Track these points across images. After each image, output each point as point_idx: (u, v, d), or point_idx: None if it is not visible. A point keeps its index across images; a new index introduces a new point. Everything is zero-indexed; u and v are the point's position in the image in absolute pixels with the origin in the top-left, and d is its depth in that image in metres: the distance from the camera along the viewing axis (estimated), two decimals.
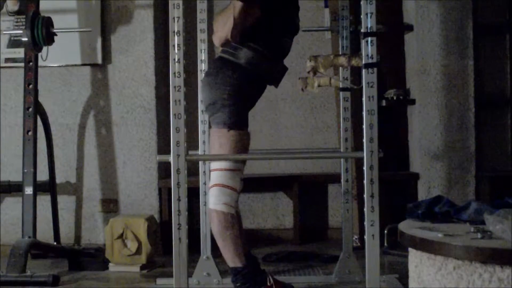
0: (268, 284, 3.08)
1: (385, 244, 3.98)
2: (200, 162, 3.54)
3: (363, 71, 2.70)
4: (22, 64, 4.08)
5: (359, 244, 4.13)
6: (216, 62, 3.11)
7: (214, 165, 3.02)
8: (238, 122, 3.00)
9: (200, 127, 3.52)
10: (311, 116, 4.81)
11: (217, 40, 3.03)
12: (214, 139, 3.04)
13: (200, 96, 3.32)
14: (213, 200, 2.98)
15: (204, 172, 3.52)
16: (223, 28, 2.97)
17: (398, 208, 3.27)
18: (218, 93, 3.00)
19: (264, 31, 3.03)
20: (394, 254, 4.00)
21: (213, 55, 4.41)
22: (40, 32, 3.95)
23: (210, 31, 3.24)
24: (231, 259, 3.03)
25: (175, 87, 2.66)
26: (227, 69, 3.03)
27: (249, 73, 3.03)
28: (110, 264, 3.88)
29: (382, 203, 2.70)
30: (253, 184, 4.34)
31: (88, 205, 4.56)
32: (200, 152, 3.49)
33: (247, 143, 3.06)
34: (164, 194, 4.46)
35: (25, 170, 3.90)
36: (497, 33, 4.75)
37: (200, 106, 3.56)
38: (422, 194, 4.39)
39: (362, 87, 2.71)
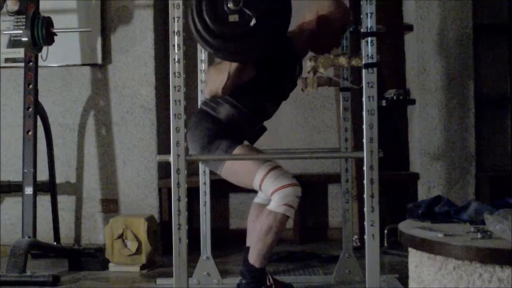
0: (268, 283, 3.08)
1: (385, 244, 3.98)
2: (200, 162, 3.54)
3: (363, 71, 2.70)
4: (22, 64, 4.08)
5: (359, 244, 4.13)
6: (196, 115, 3.11)
7: (257, 179, 2.98)
8: (231, 144, 3.01)
9: None
10: (311, 116, 4.81)
11: (207, 92, 2.99)
12: (230, 173, 3.03)
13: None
14: (275, 203, 2.94)
15: (204, 172, 3.53)
16: (215, 82, 2.93)
17: (398, 208, 3.28)
18: (199, 145, 3.03)
19: (250, 91, 3.02)
20: (394, 254, 4.00)
21: (213, 55, 4.42)
22: (40, 32, 3.95)
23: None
24: (256, 257, 3.02)
25: (175, 87, 2.67)
26: (206, 122, 3.05)
27: (227, 128, 3.03)
28: (110, 264, 3.88)
29: (382, 203, 2.70)
30: None
31: (88, 205, 4.56)
32: None
33: (254, 148, 3.09)
34: (164, 194, 4.46)
35: (25, 170, 3.90)
36: (497, 33, 4.75)
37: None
38: (422, 194, 4.39)
39: (362, 87, 2.71)
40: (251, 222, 3.23)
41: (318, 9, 3.11)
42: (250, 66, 2.95)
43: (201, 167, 3.54)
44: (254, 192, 3.22)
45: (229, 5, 2.67)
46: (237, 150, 3.00)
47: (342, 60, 2.97)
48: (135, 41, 4.52)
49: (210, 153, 3.01)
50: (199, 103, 3.55)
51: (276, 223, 2.94)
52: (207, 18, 2.71)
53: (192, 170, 3.65)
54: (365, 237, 2.68)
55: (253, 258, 3.03)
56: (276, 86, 3.13)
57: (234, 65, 2.88)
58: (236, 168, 3.01)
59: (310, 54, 3.05)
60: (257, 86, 3.01)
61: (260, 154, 3.02)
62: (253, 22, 2.67)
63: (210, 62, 3.43)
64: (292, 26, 2.92)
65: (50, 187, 4.25)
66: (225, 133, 3.03)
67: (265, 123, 3.20)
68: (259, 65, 2.97)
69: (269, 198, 2.97)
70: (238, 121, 3.05)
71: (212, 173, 3.79)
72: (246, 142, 3.12)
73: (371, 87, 2.68)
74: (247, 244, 3.17)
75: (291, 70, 3.18)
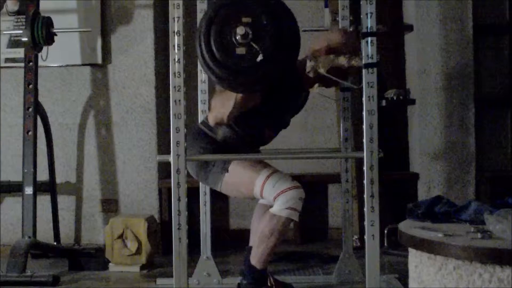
0: (269, 284, 3.08)
1: (385, 244, 3.98)
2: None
3: (363, 71, 2.70)
4: (22, 64, 4.08)
5: (359, 244, 4.13)
6: (193, 133, 3.10)
7: (257, 188, 2.98)
8: (227, 161, 3.02)
9: None
10: (311, 116, 4.81)
11: (212, 119, 2.97)
12: (230, 187, 3.05)
13: None
14: (277, 207, 2.95)
15: None
16: (221, 109, 2.92)
17: (398, 208, 3.27)
18: (194, 165, 3.03)
19: (250, 117, 3.01)
20: (394, 254, 4.00)
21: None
22: (40, 32, 3.95)
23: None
24: (258, 259, 3.03)
25: (175, 87, 2.67)
26: (201, 141, 3.06)
27: (222, 148, 3.03)
28: (110, 264, 3.88)
29: (382, 203, 2.70)
30: None
31: (88, 205, 4.56)
32: None
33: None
34: (164, 194, 4.46)
35: (25, 170, 3.90)
36: (497, 33, 4.75)
37: (200, 106, 3.57)
38: (422, 194, 4.39)
39: (362, 87, 2.71)
40: (255, 222, 3.23)
41: (327, 40, 3.07)
42: (255, 96, 2.94)
43: None
44: None
45: (237, 37, 2.64)
46: (234, 164, 3.01)
47: (342, 60, 2.97)
48: (135, 41, 4.52)
49: (206, 172, 3.03)
50: (199, 103, 3.56)
51: (279, 226, 2.94)
52: (214, 49, 2.67)
53: None
54: (365, 237, 2.68)
55: (255, 259, 3.03)
56: (278, 114, 3.13)
57: (240, 95, 2.86)
58: (235, 180, 3.01)
59: (310, 54, 3.04)
60: (259, 112, 3.01)
61: (259, 155, 3.02)
62: (259, 58, 2.64)
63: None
64: (301, 55, 2.89)
65: (50, 187, 4.24)
66: (222, 151, 3.03)
67: None
68: (264, 93, 2.96)
69: (272, 203, 2.97)
70: (234, 144, 3.05)
71: None
72: None
73: (371, 87, 2.68)
74: (250, 244, 3.17)
75: (295, 99, 3.19)
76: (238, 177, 3.01)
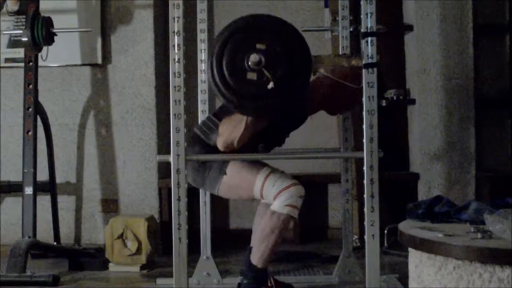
0: (269, 284, 3.08)
1: (385, 244, 3.98)
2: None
3: (363, 71, 2.70)
4: (22, 64, 4.08)
5: (359, 244, 4.13)
6: (189, 138, 3.08)
7: (256, 189, 2.99)
8: (224, 163, 3.02)
9: None
10: (311, 116, 4.80)
11: (221, 144, 2.95)
12: (229, 189, 3.05)
13: None
14: (278, 204, 2.95)
15: None
16: (231, 133, 2.92)
17: (398, 208, 3.27)
18: (190, 171, 3.02)
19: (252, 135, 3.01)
20: (394, 254, 4.00)
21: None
22: (40, 32, 3.95)
23: (210, 31, 3.24)
24: (259, 258, 3.03)
25: (175, 87, 2.67)
26: (197, 146, 3.05)
27: (215, 152, 3.02)
28: (110, 264, 3.88)
29: (382, 203, 2.70)
30: None
31: (88, 205, 4.56)
32: None
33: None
34: (164, 194, 4.46)
35: (25, 170, 3.90)
36: (497, 33, 4.75)
37: (200, 106, 3.57)
38: (422, 194, 4.39)
39: (362, 87, 2.71)
40: (257, 223, 3.23)
41: (333, 74, 3.11)
42: (264, 120, 2.95)
43: None
44: None
45: (249, 63, 2.65)
46: (230, 166, 3.01)
47: (342, 60, 2.97)
48: (135, 41, 4.51)
49: (203, 177, 3.04)
50: (199, 103, 3.56)
51: (280, 223, 2.94)
52: (226, 73, 2.68)
53: None
54: (365, 237, 2.68)
55: (256, 258, 3.03)
56: (276, 134, 3.15)
57: (250, 118, 2.87)
58: (234, 182, 3.02)
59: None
60: (260, 132, 3.01)
61: (254, 155, 3.02)
62: (270, 85, 2.65)
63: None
64: None
65: (50, 187, 4.24)
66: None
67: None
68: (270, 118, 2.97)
69: (272, 202, 2.97)
70: (227, 153, 3.02)
71: None
72: None
73: (371, 87, 2.68)
74: (251, 244, 3.17)
75: (296, 123, 3.20)
76: (237, 179, 3.01)
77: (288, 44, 2.70)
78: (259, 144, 3.08)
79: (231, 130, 2.92)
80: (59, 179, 4.43)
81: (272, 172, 2.99)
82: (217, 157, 3.02)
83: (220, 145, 2.96)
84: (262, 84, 2.66)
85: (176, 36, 2.66)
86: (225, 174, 3.01)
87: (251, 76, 2.66)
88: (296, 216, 3.00)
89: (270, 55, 2.66)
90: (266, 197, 2.99)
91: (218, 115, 3.09)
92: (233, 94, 2.69)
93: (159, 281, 3.57)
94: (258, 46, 2.66)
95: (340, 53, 3.42)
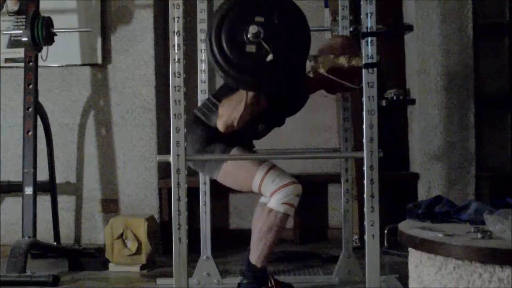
0: (269, 284, 3.08)
1: (385, 244, 3.98)
2: (196, 169, 3.54)
3: (363, 71, 2.70)
4: (22, 64, 4.08)
5: (359, 244, 4.13)
6: (189, 121, 3.07)
7: (255, 183, 2.99)
8: (226, 149, 3.01)
9: None
10: (311, 116, 4.81)
11: (221, 125, 2.94)
12: (228, 177, 3.05)
13: None
14: (274, 201, 2.95)
15: None
16: (231, 114, 2.91)
17: (398, 208, 3.27)
18: (192, 151, 3.01)
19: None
20: (394, 254, 4.00)
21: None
22: (40, 32, 3.95)
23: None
24: (257, 257, 3.03)
25: (175, 87, 2.67)
26: (197, 127, 3.06)
27: (217, 133, 3.01)
28: (110, 264, 3.88)
29: (382, 203, 2.70)
30: None
31: (88, 205, 4.56)
32: None
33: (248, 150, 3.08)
34: (164, 194, 4.46)
35: (25, 170, 3.90)
36: (497, 33, 4.75)
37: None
38: (422, 194, 4.39)
39: (362, 87, 2.71)
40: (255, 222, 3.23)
41: (329, 43, 3.09)
42: (263, 99, 2.94)
43: None
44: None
45: (248, 35, 2.64)
46: (233, 153, 3.00)
47: (342, 60, 2.97)
48: (135, 41, 4.52)
49: (203, 166, 3.03)
50: (199, 103, 3.55)
51: (277, 221, 2.94)
52: (225, 47, 2.67)
53: (192, 170, 3.65)
54: (365, 237, 2.67)
55: (255, 257, 3.03)
56: (275, 114, 3.14)
57: (249, 97, 2.85)
58: (233, 171, 3.01)
59: (310, 54, 3.04)
60: (260, 112, 3.00)
61: (259, 154, 3.02)
62: (269, 57, 2.63)
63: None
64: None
65: (50, 187, 4.24)
66: (216, 138, 3.02)
67: None
68: (269, 97, 2.96)
69: (269, 199, 2.98)
70: (227, 134, 3.02)
71: None
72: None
73: (371, 87, 2.68)
74: (250, 244, 3.17)
75: (295, 102, 3.19)
76: (238, 168, 3.00)
77: (286, 16, 2.69)
78: (259, 125, 3.07)
79: (231, 111, 2.91)
80: (59, 179, 4.43)
81: (273, 167, 2.99)
82: (217, 157, 3.02)
83: (220, 126, 2.96)
84: (262, 57, 2.64)
85: (176, 36, 2.66)
86: (225, 161, 3.01)
87: (250, 48, 2.65)
88: (291, 215, 3.00)
89: (269, 28, 2.64)
90: (263, 192, 2.99)
91: (218, 96, 3.08)
92: (232, 68, 2.67)
93: (159, 281, 3.57)
94: (257, 19, 2.64)
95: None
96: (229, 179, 3.06)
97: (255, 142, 3.31)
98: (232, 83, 2.78)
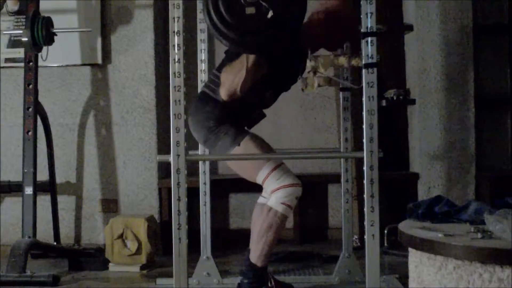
0: (269, 285, 3.08)
1: (385, 244, 3.98)
2: (200, 162, 3.54)
3: (363, 71, 2.70)
4: (22, 64, 4.08)
5: (359, 244, 4.13)
6: (197, 100, 3.11)
7: (261, 175, 2.99)
8: (239, 133, 3.01)
9: None
10: (311, 116, 4.81)
11: (224, 93, 2.96)
12: (237, 162, 3.04)
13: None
14: (274, 200, 2.96)
15: (204, 172, 3.53)
16: (233, 81, 2.92)
17: (398, 208, 3.27)
18: (204, 129, 3.03)
19: (256, 82, 3.00)
20: (394, 254, 4.00)
21: (213, 55, 4.42)
22: (40, 32, 3.95)
23: (210, 31, 3.23)
24: (257, 256, 3.03)
25: (175, 87, 2.67)
26: (207, 104, 3.05)
27: (227, 110, 3.02)
28: (110, 264, 3.88)
29: (382, 203, 2.70)
30: (253, 184, 4.34)
31: (88, 205, 4.56)
32: (200, 152, 3.49)
33: (262, 139, 3.08)
34: (164, 194, 4.46)
35: (25, 170, 3.90)
36: (497, 33, 4.75)
37: None
38: (422, 194, 4.39)
39: (362, 87, 2.71)
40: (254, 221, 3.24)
41: (326, 5, 3.10)
42: (264, 63, 2.94)
43: (201, 167, 3.54)
44: (254, 192, 3.22)
45: None
46: (245, 141, 2.99)
47: (342, 60, 2.97)
48: (135, 41, 4.52)
49: (217, 137, 3.00)
50: None
51: (277, 220, 2.96)
52: (223, 11, 2.67)
53: (192, 170, 3.65)
54: (365, 237, 2.67)
55: (255, 257, 3.03)
56: (278, 79, 3.12)
57: (250, 61, 2.87)
58: (242, 161, 3.01)
59: (310, 54, 3.04)
60: (263, 77, 3.00)
61: (261, 154, 3.02)
62: (270, 14, 2.64)
63: (210, 62, 3.43)
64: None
65: (50, 187, 4.24)
66: (228, 117, 3.02)
67: (265, 124, 3.20)
68: (270, 62, 2.96)
69: (270, 195, 2.98)
70: (237, 106, 3.03)
71: (212, 173, 3.79)
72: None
73: (371, 87, 2.67)
74: (250, 243, 3.17)
75: (296, 64, 3.17)
76: (243, 162, 3.00)
77: None
78: (267, 92, 3.08)
79: (233, 78, 2.92)
80: (59, 179, 4.43)
81: (281, 165, 2.99)
82: (218, 157, 3.02)
83: (223, 95, 2.97)
84: (261, 16, 2.65)
85: (176, 36, 2.66)
86: (238, 145, 2.99)
87: (250, 10, 2.66)
88: (289, 216, 3.02)
89: None
90: (266, 186, 3.00)
91: (220, 68, 3.09)
92: (233, 32, 2.68)
93: (159, 281, 3.57)
94: None
95: (340, 53, 3.41)
96: (237, 165, 3.06)
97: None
98: (234, 47, 2.79)
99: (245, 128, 3.10)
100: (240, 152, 2.98)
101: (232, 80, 2.93)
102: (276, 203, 2.95)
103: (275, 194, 2.95)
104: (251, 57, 2.87)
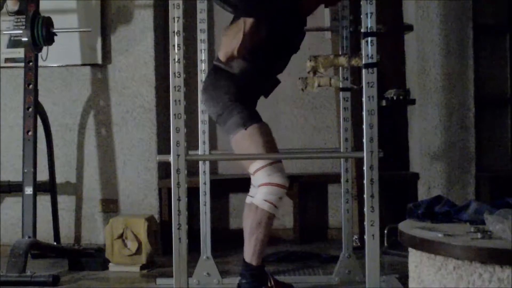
0: (269, 285, 3.08)
1: (385, 244, 3.98)
2: (200, 162, 3.54)
3: (363, 71, 2.70)
4: (22, 64, 4.08)
5: (359, 244, 4.13)
6: (211, 74, 3.14)
7: (255, 166, 3.00)
8: (250, 118, 3.03)
9: (200, 127, 3.52)
10: (311, 116, 4.81)
11: (223, 55, 3.01)
12: (239, 145, 3.05)
13: (203, 108, 3.38)
14: (260, 196, 2.98)
15: (204, 172, 3.52)
16: (231, 44, 2.97)
17: (398, 208, 3.27)
18: (220, 104, 3.04)
19: (257, 48, 3.04)
20: (394, 254, 4.00)
21: (213, 55, 4.41)
22: (40, 32, 3.95)
23: (210, 31, 3.24)
24: (250, 255, 3.04)
25: (175, 87, 2.67)
26: (223, 80, 3.07)
27: (243, 84, 3.05)
28: (110, 264, 3.88)
29: (382, 203, 2.70)
30: None
31: (88, 205, 4.56)
32: (200, 152, 3.50)
33: (270, 131, 3.09)
34: (164, 194, 4.46)
35: (25, 170, 3.90)
36: (497, 33, 4.75)
37: (200, 106, 3.56)
38: (422, 194, 4.39)
39: (362, 87, 2.71)
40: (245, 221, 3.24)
41: None
42: (262, 27, 2.97)
43: (201, 167, 3.54)
44: None
45: None
46: (253, 127, 3.00)
47: (342, 60, 2.97)
48: (135, 41, 4.52)
49: (230, 115, 3.01)
50: (199, 103, 3.56)
51: (264, 216, 2.99)
52: None
53: (192, 170, 3.65)
54: (365, 237, 2.67)
55: (249, 255, 3.04)
56: (285, 41, 3.14)
57: (248, 24, 2.91)
58: (244, 144, 3.02)
59: (310, 54, 3.05)
60: (265, 42, 3.03)
61: (260, 153, 3.02)
62: None
63: (210, 62, 3.43)
64: None
65: (50, 187, 4.24)
66: (243, 92, 3.04)
67: (266, 122, 3.19)
68: (268, 25, 3.00)
69: (256, 189, 3.01)
70: (252, 75, 3.06)
71: (212, 173, 3.79)
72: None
73: (371, 87, 2.67)
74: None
75: (297, 24, 3.19)
76: (250, 142, 3.01)
77: None
78: (275, 57, 3.13)
79: (230, 40, 2.97)
80: (59, 179, 4.43)
81: (276, 163, 3.00)
82: (218, 157, 3.02)
83: (222, 57, 3.02)
84: None
85: (176, 36, 2.66)
86: (245, 129, 3.01)
87: None
88: (276, 214, 3.05)
89: None
90: (255, 178, 3.03)
91: None
92: None
93: (159, 281, 3.57)
94: None
95: (340, 53, 3.42)
96: (238, 147, 3.07)
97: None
98: (235, 12, 2.87)
99: (258, 115, 3.10)
100: (243, 136, 3.00)
101: (230, 42, 2.97)
102: (261, 200, 2.98)
103: (261, 189, 2.98)
104: (248, 20, 2.92)
